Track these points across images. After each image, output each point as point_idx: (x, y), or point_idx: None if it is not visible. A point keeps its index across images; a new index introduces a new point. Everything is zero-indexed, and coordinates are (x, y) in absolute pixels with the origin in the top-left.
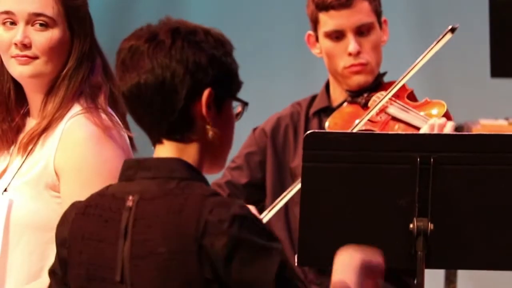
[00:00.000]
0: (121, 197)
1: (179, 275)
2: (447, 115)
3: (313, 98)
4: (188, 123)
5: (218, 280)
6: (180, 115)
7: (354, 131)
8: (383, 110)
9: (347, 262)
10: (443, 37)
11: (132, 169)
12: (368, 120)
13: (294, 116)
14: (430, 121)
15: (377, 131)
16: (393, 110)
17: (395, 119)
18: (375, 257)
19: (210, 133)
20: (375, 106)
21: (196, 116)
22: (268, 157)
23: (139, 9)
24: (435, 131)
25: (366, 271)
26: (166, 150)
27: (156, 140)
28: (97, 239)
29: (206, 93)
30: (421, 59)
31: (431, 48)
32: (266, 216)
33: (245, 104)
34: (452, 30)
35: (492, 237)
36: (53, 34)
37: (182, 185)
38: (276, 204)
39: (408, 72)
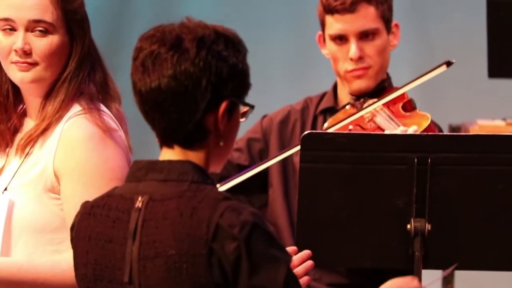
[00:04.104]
0: (129, 198)
1: (189, 277)
2: (430, 128)
3: (324, 95)
4: (203, 133)
5: (227, 285)
6: (195, 125)
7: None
8: (372, 118)
9: None
10: (437, 68)
11: (143, 170)
12: (360, 126)
13: (304, 111)
14: (386, 131)
15: None
16: (380, 119)
17: (380, 128)
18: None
19: (221, 143)
20: (349, 116)
21: (210, 126)
22: (271, 147)
23: (135, 7)
24: None
25: None
26: (174, 154)
27: (166, 144)
28: (104, 240)
29: (223, 105)
30: (407, 85)
31: (421, 76)
32: (230, 183)
33: (252, 107)
34: (448, 64)
35: (490, 237)
36: (53, 39)
37: (193, 187)
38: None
39: (387, 96)
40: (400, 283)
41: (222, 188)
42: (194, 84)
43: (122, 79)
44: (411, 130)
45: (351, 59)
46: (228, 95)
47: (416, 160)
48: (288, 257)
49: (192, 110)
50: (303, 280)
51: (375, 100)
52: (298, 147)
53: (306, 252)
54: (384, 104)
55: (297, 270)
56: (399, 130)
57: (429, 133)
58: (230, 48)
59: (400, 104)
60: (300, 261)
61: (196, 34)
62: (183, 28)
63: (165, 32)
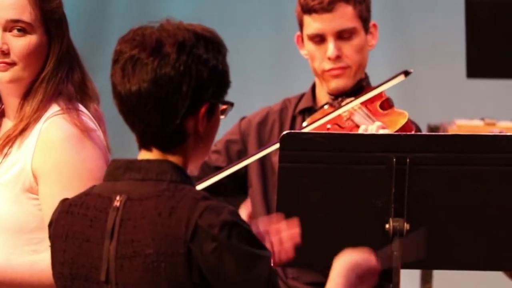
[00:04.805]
0: (107, 197)
1: (167, 277)
2: (407, 125)
3: (302, 96)
4: (182, 136)
5: (206, 285)
6: (175, 130)
7: (305, 130)
8: (350, 117)
9: (343, 267)
10: (394, 77)
11: (121, 169)
12: (338, 125)
13: (283, 112)
14: (362, 127)
15: None
16: (358, 118)
17: (358, 126)
18: (370, 259)
19: (201, 145)
20: (327, 115)
21: (190, 130)
22: (250, 148)
23: (114, 7)
24: None
25: (362, 274)
26: (153, 155)
27: (144, 147)
28: (81, 238)
29: (203, 109)
30: (363, 96)
31: (378, 86)
32: (207, 182)
33: (231, 105)
34: (406, 73)
35: (467, 237)
36: (31, 39)
37: (172, 187)
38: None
39: (363, 95)
40: (359, 260)
41: (200, 186)
42: (175, 89)
43: (101, 79)
44: (386, 131)
45: (329, 58)
46: (208, 99)
47: (394, 160)
48: (268, 253)
49: (172, 115)
50: (290, 241)
51: (353, 99)
52: (276, 145)
53: (294, 221)
54: (362, 103)
55: (284, 236)
56: (375, 126)
57: (408, 133)
58: (210, 51)
59: (378, 103)
60: (287, 226)
61: (177, 38)
62: (163, 31)
63: (145, 36)
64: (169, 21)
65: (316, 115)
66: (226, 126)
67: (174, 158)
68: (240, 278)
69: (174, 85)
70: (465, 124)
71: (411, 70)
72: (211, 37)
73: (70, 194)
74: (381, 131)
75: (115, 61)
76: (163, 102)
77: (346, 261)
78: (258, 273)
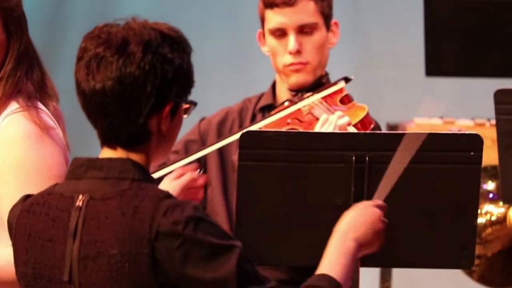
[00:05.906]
0: (69, 196)
1: (131, 277)
2: (367, 118)
3: (262, 95)
4: (145, 135)
5: (172, 282)
6: (138, 128)
7: (261, 124)
8: (310, 111)
9: (336, 240)
10: (335, 83)
11: (82, 167)
12: (298, 119)
13: (243, 111)
14: (323, 116)
15: (301, 130)
16: (318, 111)
17: (318, 119)
18: (367, 211)
19: (163, 144)
20: (287, 108)
21: (153, 128)
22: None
23: (73, 6)
24: (331, 126)
25: (361, 234)
26: (116, 153)
27: (107, 145)
28: (44, 238)
29: (167, 108)
30: (306, 99)
31: (320, 91)
32: (164, 170)
33: (195, 104)
34: (346, 80)
35: (426, 235)
36: None
37: (134, 186)
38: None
39: (323, 90)
40: (352, 220)
41: (157, 174)
42: (139, 88)
43: (60, 77)
44: (347, 118)
45: (290, 52)
46: (172, 98)
47: (354, 158)
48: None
49: (135, 113)
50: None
51: (311, 94)
52: (234, 137)
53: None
54: (322, 98)
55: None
56: (335, 115)
57: (367, 132)
58: (175, 50)
59: (338, 98)
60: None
61: (142, 37)
62: (129, 30)
63: (111, 34)
64: (135, 20)
65: (276, 111)
66: (186, 127)
67: (136, 157)
68: (211, 268)
69: (138, 84)
70: (424, 123)
71: (352, 77)
72: (176, 36)
73: (29, 192)
74: (342, 120)
75: (79, 58)
76: (127, 101)
77: (339, 230)
78: (228, 259)
